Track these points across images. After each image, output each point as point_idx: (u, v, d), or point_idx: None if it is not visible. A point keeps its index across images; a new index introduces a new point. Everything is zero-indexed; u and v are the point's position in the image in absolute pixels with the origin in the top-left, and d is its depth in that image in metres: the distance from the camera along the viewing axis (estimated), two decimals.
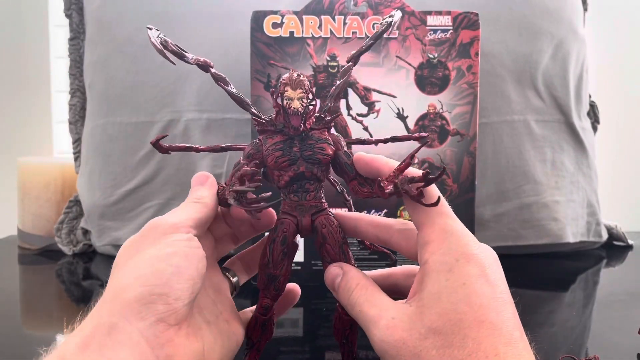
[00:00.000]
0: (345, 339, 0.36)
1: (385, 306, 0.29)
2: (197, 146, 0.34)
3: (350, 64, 0.36)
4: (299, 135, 0.33)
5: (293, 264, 0.69)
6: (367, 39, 0.35)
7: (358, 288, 0.31)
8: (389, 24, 0.35)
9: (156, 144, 0.33)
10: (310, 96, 0.32)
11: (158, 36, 0.33)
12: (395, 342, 0.27)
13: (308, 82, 0.32)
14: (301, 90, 0.32)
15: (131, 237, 0.30)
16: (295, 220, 0.34)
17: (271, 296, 0.34)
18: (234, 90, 0.34)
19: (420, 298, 0.28)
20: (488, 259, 0.29)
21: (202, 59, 0.34)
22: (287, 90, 0.32)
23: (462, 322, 0.26)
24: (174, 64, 0.33)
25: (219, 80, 0.34)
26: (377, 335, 0.28)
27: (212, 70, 0.34)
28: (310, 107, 0.33)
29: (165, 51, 0.32)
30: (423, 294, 0.28)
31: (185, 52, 0.34)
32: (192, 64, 0.34)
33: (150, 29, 0.33)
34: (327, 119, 0.34)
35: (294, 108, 0.32)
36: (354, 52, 0.35)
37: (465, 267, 0.27)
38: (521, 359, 0.25)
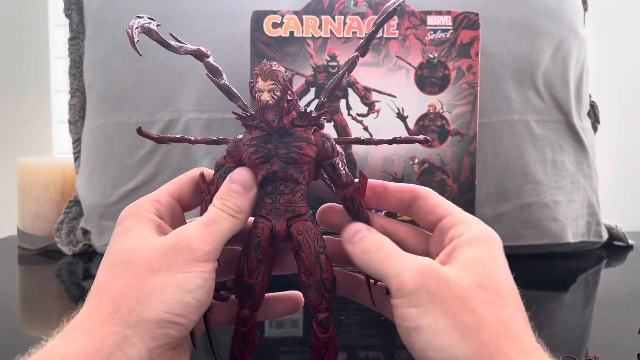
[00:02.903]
0: (321, 358, 0.33)
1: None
2: (190, 137, 0.34)
3: (356, 53, 0.33)
4: (278, 132, 0.31)
5: None
6: (371, 27, 0.33)
7: (388, 241, 0.30)
8: (394, 10, 0.32)
9: (142, 133, 0.32)
10: (287, 89, 0.30)
11: (141, 25, 0.31)
12: (439, 279, 0.26)
13: (284, 74, 0.30)
14: (272, 82, 0.29)
15: (161, 244, 0.29)
16: (269, 225, 0.31)
17: (248, 307, 0.32)
18: (223, 82, 0.33)
19: (458, 259, 0.28)
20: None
21: (195, 48, 0.32)
22: (258, 82, 0.30)
23: (502, 289, 0.27)
24: (141, 55, 0.32)
25: (210, 71, 0.33)
26: (416, 268, 0.27)
27: (207, 60, 0.33)
28: (289, 100, 0.30)
29: (141, 42, 0.31)
30: (462, 257, 0.28)
31: (181, 42, 0.32)
32: (181, 54, 0.32)
33: (140, 17, 0.32)
34: (313, 115, 0.31)
35: (264, 100, 0.29)
36: (362, 41, 0.33)
37: (498, 251, 0.29)
38: (534, 341, 0.27)
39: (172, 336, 0.27)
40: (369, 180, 0.32)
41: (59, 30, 1.12)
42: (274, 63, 0.30)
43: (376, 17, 0.64)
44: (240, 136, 0.33)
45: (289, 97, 0.30)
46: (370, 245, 0.30)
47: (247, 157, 0.31)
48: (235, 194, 0.31)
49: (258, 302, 0.32)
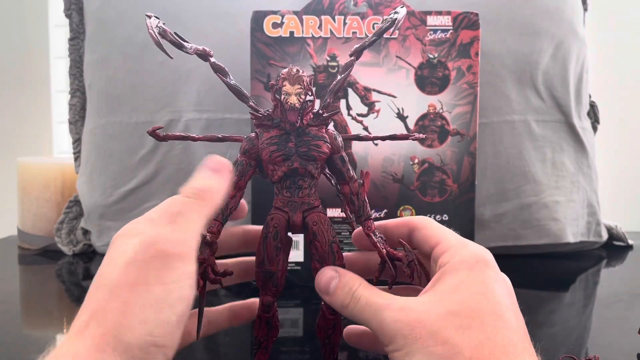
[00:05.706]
0: (328, 338, 0.36)
1: (394, 297, 0.30)
2: (193, 135, 0.35)
3: (352, 58, 0.35)
4: (295, 131, 0.33)
5: (293, 264, 0.69)
6: (371, 35, 0.35)
7: (362, 287, 0.31)
8: (393, 21, 0.35)
9: (153, 133, 0.34)
10: (309, 93, 0.32)
11: (157, 25, 0.33)
12: (410, 320, 0.27)
13: (307, 79, 0.33)
14: (299, 86, 0.32)
15: (132, 248, 0.26)
16: (286, 216, 0.34)
17: (271, 293, 0.34)
18: (232, 82, 0.35)
19: (437, 289, 0.29)
20: (501, 274, 0.31)
21: (201, 48, 0.34)
22: (285, 85, 0.32)
23: (481, 311, 0.27)
24: (171, 57, 0.33)
25: (217, 70, 0.34)
26: (390, 317, 0.28)
27: (212, 60, 0.34)
28: (309, 104, 0.33)
29: (162, 43, 0.32)
30: (441, 286, 0.29)
31: (186, 41, 0.33)
32: (191, 54, 0.33)
33: (149, 17, 0.33)
34: (324, 115, 0.34)
35: (291, 103, 0.32)
36: (357, 46, 0.35)
37: (485, 269, 0.29)
38: (531, 355, 0.27)
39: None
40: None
41: (59, 30, 1.11)
42: (299, 68, 0.32)
43: (376, 17, 0.64)
44: (252, 134, 0.34)
45: (310, 101, 0.33)
46: (346, 299, 0.31)
47: (267, 155, 0.33)
48: (201, 176, 0.30)
49: (280, 288, 0.34)
